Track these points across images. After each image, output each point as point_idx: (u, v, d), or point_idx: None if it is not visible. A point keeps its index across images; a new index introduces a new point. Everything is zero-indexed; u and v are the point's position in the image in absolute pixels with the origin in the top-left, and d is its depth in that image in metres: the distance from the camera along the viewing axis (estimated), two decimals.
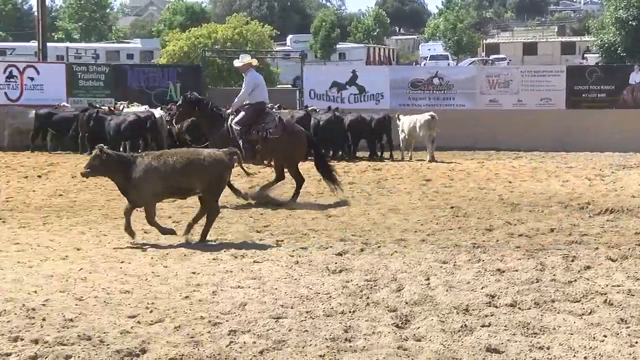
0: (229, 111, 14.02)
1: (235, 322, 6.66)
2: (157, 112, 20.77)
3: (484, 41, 71.79)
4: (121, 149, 20.22)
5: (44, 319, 6.65)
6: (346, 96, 24.76)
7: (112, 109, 21.40)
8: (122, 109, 21.73)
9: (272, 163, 14.52)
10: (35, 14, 38.24)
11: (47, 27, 36.11)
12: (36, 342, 6.12)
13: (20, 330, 6.36)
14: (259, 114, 13.71)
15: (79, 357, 5.83)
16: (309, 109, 21.80)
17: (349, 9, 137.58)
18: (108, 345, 6.09)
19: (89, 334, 6.29)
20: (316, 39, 66.53)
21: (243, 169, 13.21)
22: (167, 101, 24.02)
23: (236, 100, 13.95)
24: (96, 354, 5.90)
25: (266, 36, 43.34)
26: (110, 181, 10.52)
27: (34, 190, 14.53)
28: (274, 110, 17.32)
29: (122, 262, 8.89)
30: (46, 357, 5.81)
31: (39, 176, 16.46)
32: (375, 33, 77.89)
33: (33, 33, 44.81)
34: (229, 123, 13.64)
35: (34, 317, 6.70)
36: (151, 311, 6.99)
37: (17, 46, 55.58)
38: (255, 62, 14.77)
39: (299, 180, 13.69)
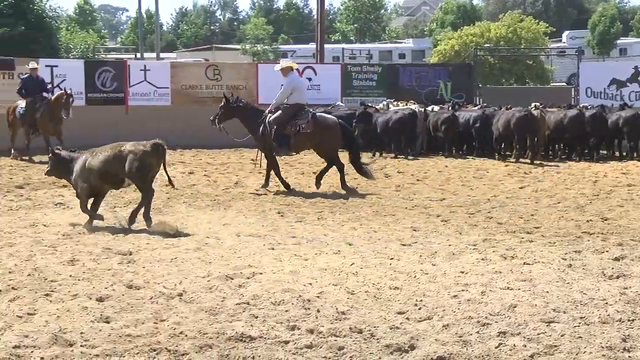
0: (267, 110, 14.94)
1: (504, 324, 6.55)
2: (416, 109, 21.13)
3: None
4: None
5: (318, 310, 6.94)
6: (626, 94, 23.52)
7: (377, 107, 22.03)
8: (389, 107, 22.22)
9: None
10: (315, 17, 39.92)
11: (325, 30, 37.57)
12: (311, 331, 6.40)
13: (297, 320, 6.68)
14: (295, 114, 14.74)
15: (350, 349, 6.02)
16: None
17: (632, 1, 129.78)
18: (378, 339, 6.23)
19: (360, 327, 6.47)
20: (594, 34, 63.74)
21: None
22: (437, 100, 24.14)
23: (274, 100, 14.99)
24: (367, 347, 6.06)
25: (540, 33, 42.22)
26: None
27: (309, 187, 15.17)
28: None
29: (392, 258, 9.04)
30: (320, 347, 6.05)
31: (315, 173, 17.16)
32: None
33: (312, 35, 46.93)
34: (266, 120, 14.70)
35: (309, 308, 7.00)
36: (420, 308, 7.05)
37: (298, 48, 58.44)
38: (295, 65, 15.91)
39: (339, 165, 14.77)
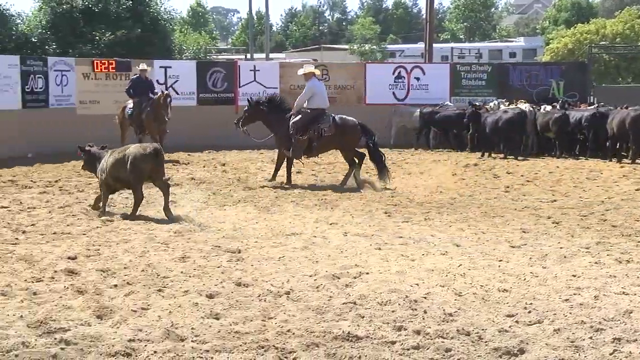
0: (290, 113, 15.49)
1: (619, 330, 6.34)
2: (526, 108, 20.75)
3: None
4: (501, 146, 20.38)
5: (425, 312, 6.89)
6: None
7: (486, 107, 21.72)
8: (499, 107, 21.89)
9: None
10: (424, 16, 39.68)
11: (434, 29, 37.27)
12: (418, 332, 6.35)
13: (403, 321, 6.65)
14: (316, 118, 15.33)
15: (458, 351, 5.95)
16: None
17: None
18: (486, 342, 6.14)
19: (467, 329, 6.39)
20: None
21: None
22: (550, 99, 23.62)
23: (295, 103, 15.59)
24: (475, 350, 5.98)
25: None
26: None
27: (416, 187, 15.10)
28: None
29: (501, 260, 8.89)
30: (427, 348, 6.00)
31: (422, 173, 17.08)
32: None
33: (421, 35, 46.67)
34: (290, 122, 15.25)
35: (416, 309, 6.96)
36: (529, 311, 6.91)
37: (406, 48, 58.26)
38: (317, 72, 16.62)
39: (352, 163, 15.35)
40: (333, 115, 15.71)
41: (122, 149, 11.94)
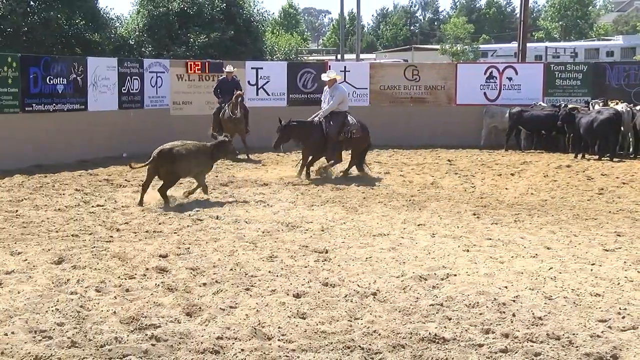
0: (316, 119, 16.20)
1: None
2: (622, 108, 20.15)
3: None
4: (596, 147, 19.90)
5: (513, 315, 6.79)
6: None
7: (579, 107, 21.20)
8: (594, 106, 21.35)
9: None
10: (518, 15, 39.02)
11: (528, 28, 36.64)
12: (506, 336, 6.27)
13: (491, 323, 6.57)
14: (344, 121, 16.06)
15: (547, 355, 5.85)
16: None
17: None
18: (577, 347, 6.01)
19: (557, 333, 6.27)
20: None
21: None
22: None
23: (327, 109, 16.14)
24: (565, 355, 5.87)
25: None
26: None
27: (506, 188, 14.88)
28: None
29: (593, 264, 8.69)
30: (516, 352, 5.92)
31: (512, 174, 16.80)
32: None
33: (514, 34, 45.97)
34: (328, 130, 15.92)
35: (504, 312, 6.87)
36: (623, 317, 6.73)
37: (499, 47, 57.47)
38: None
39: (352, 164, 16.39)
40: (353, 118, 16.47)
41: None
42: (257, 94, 22.86)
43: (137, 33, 35.16)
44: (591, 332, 6.34)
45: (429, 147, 21.72)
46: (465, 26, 72.34)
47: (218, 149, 13.21)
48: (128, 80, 20.78)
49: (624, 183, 15.52)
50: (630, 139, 20.53)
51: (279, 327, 6.46)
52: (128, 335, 6.18)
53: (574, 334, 6.27)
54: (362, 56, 52.01)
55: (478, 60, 54.54)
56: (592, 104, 22.17)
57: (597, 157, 19.71)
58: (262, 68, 23.95)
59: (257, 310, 6.89)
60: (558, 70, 24.72)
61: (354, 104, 23.68)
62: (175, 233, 10.33)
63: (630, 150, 20.48)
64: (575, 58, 49.55)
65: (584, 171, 17.26)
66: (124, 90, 20.66)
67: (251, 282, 7.85)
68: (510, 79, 24.12)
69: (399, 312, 6.91)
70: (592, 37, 75.24)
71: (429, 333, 6.26)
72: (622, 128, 20.09)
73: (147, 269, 8.34)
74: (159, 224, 10.96)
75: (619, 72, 24.46)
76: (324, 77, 16.78)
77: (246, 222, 11.10)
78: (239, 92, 19.97)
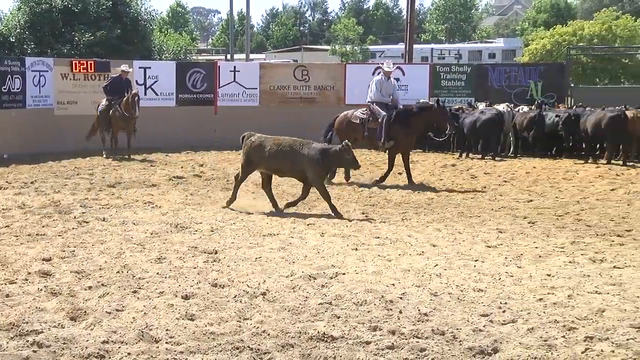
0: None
1: (592, 329, 6.39)
2: (502, 108, 20.89)
3: None
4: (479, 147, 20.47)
5: (400, 312, 6.90)
6: None
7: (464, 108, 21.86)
8: (477, 107, 22.02)
9: None
10: (405, 17, 39.72)
11: (415, 30, 37.30)
12: (393, 332, 6.37)
13: (379, 321, 6.66)
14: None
15: (432, 350, 5.97)
16: None
17: None
18: (460, 341, 6.16)
19: (442, 329, 6.41)
20: None
21: None
22: (527, 100, 23.77)
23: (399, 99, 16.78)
24: (449, 349, 6.00)
25: (638, 31, 41.06)
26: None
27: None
28: None
29: (476, 260, 8.93)
30: (402, 348, 6.02)
31: (400, 173, 17.08)
32: None
33: (401, 36, 46.74)
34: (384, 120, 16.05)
35: (391, 309, 6.97)
36: (504, 311, 6.94)
37: (387, 49, 58.31)
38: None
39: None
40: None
41: None
42: (146, 94, 22.50)
43: (18, 30, 34.03)
44: (474, 326, 6.50)
45: None
46: (356, 27, 73.04)
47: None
48: (9, 79, 20.15)
49: (505, 181, 16.04)
50: (511, 139, 21.21)
51: (166, 330, 6.38)
52: (8, 342, 5.97)
53: (457, 329, 6.43)
54: (252, 56, 51.85)
55: (367, 61, 55.23)
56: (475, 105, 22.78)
57: (480, 156, 20.28)
58: (150, 67, 23.62)
59: (145, 313, 6.78)
60: (443, 71, 25.36)
61: (244, 104, 23.69)
62: (59, 236, 10.05)
63: (511, 149, 21.16)
64: (460, 59, 50.78)
65: (468, 170, 17.72)
66: (4, 89, 20.04)
67: (139, 285, 7.72)
68: (397, 79, 24.54)
69: (288, 311, 6.93)
70: (475, 39, 77.29)
71: (318, 332, 6.30)
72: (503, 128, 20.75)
73: (29, 273, 8.08)
74: (43, 226, 10.64)
75: (500, 73, 25.28)
76: (387, 67, 16.73)
77: (134, 223, 10.92)
78: (134, 91, 19.71)
